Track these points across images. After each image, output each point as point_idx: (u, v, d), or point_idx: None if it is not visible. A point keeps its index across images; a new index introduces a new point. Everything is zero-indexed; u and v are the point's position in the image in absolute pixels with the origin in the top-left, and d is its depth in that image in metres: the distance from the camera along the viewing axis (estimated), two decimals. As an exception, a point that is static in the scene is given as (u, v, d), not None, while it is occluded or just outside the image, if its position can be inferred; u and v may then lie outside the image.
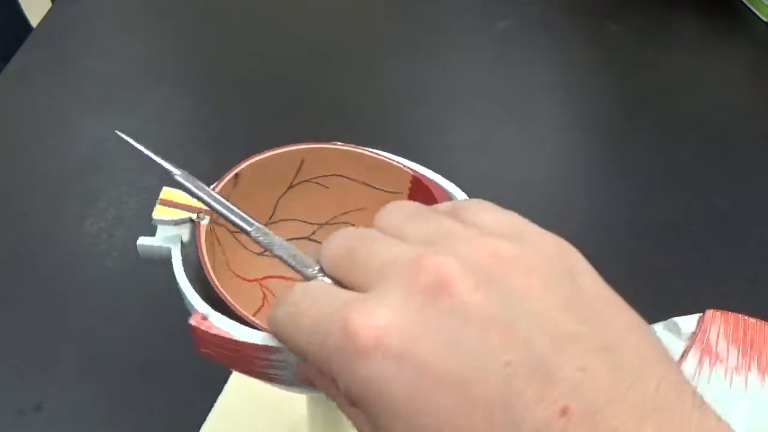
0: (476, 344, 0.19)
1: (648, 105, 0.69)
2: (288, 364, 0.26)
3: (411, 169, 0.35)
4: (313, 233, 0.37)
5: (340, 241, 0.24)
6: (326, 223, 0.37)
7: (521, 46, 0.77)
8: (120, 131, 0.26)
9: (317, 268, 0.24)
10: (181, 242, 0.32)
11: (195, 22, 0.82)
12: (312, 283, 0.24)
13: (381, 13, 0.83)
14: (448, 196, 0.33)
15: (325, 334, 0.21)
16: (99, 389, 0.44)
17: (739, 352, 0.31)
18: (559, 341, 0.18)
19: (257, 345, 0.26)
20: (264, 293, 0.36)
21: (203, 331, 0.28)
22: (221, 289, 0.28)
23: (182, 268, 0.31)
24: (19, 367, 0.45)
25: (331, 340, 0.20)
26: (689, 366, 0.32)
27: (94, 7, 0.81)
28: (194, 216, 0.33)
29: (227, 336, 0.28)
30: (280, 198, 0.37)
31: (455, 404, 0.18)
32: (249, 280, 0.35)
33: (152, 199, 0.33)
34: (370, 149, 0.36)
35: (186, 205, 0.33)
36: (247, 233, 0.26)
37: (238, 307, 0.26)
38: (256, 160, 0.36)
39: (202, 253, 0.31)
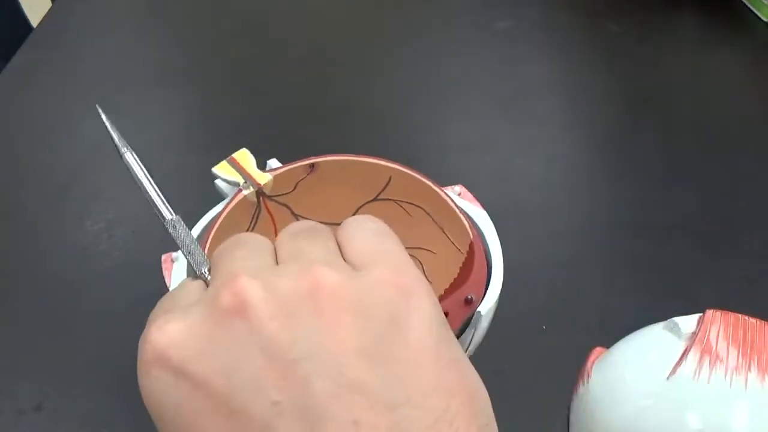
0: (252, 376, 0.18)
1: (648, 105, 0.69)
2: None
3: (472, 232, 0.35)
4: None
5: (225, 243, 0.23)
6: None
7: (521, 46, 0.77)
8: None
9: (207, 269, 0.23)
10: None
11: (195, 22, 0.82)
12: (190, 282, 0.23)
13: (381, 13, 0.83)
14: (485, 275, 0.33)
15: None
16: (99, 389, 0.44)
17: (739, 352, 0.31)
18: (340, 388, 0.17)
19: None
20: None
21: (161, 268, 0.31)
22: (202, 239, 0.28)
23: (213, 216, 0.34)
24: (19, 367, 0.45)
25: (139, 346, 0.20)
26: (689, 366, 0.32)
27: (94, 7, 0.81)
28: (242, 182, 0.34)
29: (167, 284, 0.30)
30: (364, 204, 0.37)
31: (219, 431, 0.18)
32: None
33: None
34: (450, 195, 0.36)
35: (247, 172, 0.35)
36: (162, 220, 0.25)
37: (200, 258, 0.24)
38: (342, 159, 0.36)
39: (223, 211, 0.33)
